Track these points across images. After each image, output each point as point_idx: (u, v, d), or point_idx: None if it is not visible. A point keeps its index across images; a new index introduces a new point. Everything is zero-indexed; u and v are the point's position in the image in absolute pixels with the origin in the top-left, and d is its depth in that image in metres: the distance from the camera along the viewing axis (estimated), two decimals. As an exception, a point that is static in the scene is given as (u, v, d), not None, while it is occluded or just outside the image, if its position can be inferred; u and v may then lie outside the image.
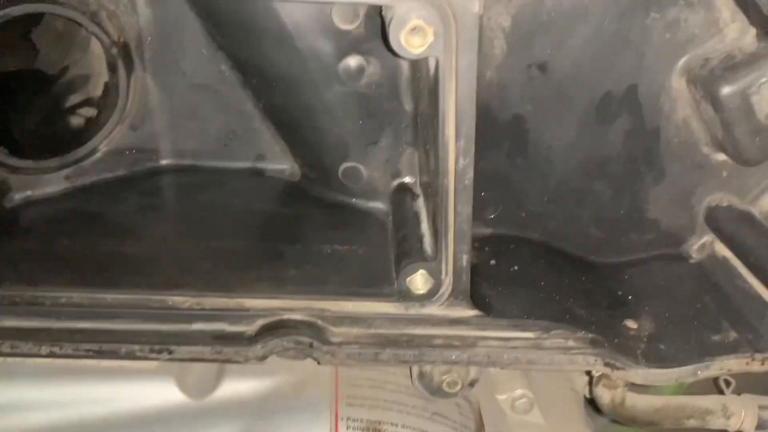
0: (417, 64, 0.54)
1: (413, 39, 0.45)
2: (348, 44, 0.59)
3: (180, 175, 0.70)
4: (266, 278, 0.56)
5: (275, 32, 0.58)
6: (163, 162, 0.70)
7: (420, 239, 0.56)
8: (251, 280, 0.55)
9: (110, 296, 0.54)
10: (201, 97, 0.68)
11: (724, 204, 0.63)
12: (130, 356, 0.53)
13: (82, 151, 0.65)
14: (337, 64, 0.60)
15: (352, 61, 0.60)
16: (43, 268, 0.56)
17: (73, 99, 0.69)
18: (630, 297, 0.62)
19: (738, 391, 0.67)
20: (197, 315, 0.54)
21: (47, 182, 0.65)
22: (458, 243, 0.52)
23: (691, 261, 0.66)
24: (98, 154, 0.67)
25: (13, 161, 0.62)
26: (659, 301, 0.62)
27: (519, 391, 0.70)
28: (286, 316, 0.54)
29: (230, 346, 0.53)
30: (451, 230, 0.51)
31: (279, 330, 0.53)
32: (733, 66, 0.55)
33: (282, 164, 0.71)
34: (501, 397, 0.70)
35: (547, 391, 0.71)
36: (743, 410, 0.64)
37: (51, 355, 0.53)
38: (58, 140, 0.66)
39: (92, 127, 0.67)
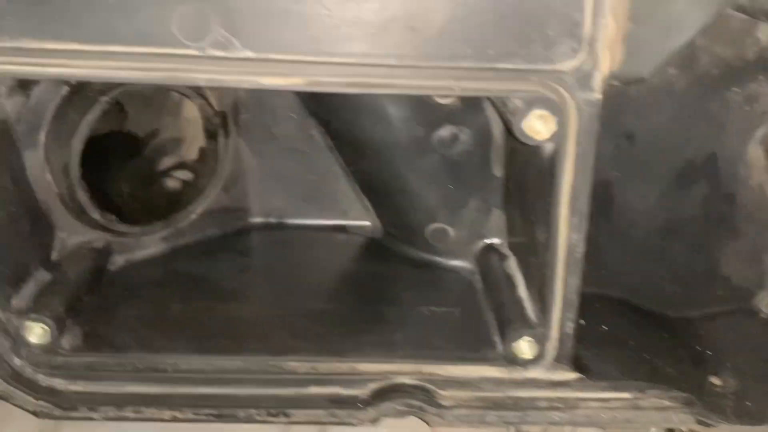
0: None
1: (537, 126, 0.48)
2: (443, 116, 0.62)
3: (269, 233, 0.73)
4: (374, 342, 0.58)
5: (372, 105, 0.61)
6: (253, 220, 0.73)
7: (521, 304, 0.59)
8: (361, 343, 0.58)
9: (228, 362, 0.56)
10: (290, 159, 0.72)
11: (792, 259, 0.66)
12: (249, 420, 0.56)
13: (182, 214, 0.68)
14: (431, 134, 0.63)
15: (446, 131, 0.63)
16: (161, 334, 0.58)
17: (166, 162, 0.71)
18: (709, 352, 0.65)
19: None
20: (312, 379, 0.56)
21: (146, 244, 0.68)
22: (566, 311, 0.54)
23: (762, 315, 0.69)
24: (193, 216, 0.70)
25: (118, 226, 0.64)
26: (737, 356, 0.64)
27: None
28: (397, 380, 0.56)
29: (344, 409, 0.56)
30: (559, 299, 0.54)
31: (391, 393, 0.56)
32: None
33: (365, 221, 0.74)
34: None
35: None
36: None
37: (173, 419, 0.56)
38: (156, 203, 0.69)
39: (190, 190, 0.70)
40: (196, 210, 0.69)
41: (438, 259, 0.69)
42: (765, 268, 0.68)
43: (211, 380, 0.56)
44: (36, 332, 0.54)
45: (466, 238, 0.68)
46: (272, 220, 0.74)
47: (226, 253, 0.69)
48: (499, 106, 0.51)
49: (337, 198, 0.73)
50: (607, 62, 0.47)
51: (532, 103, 0.47)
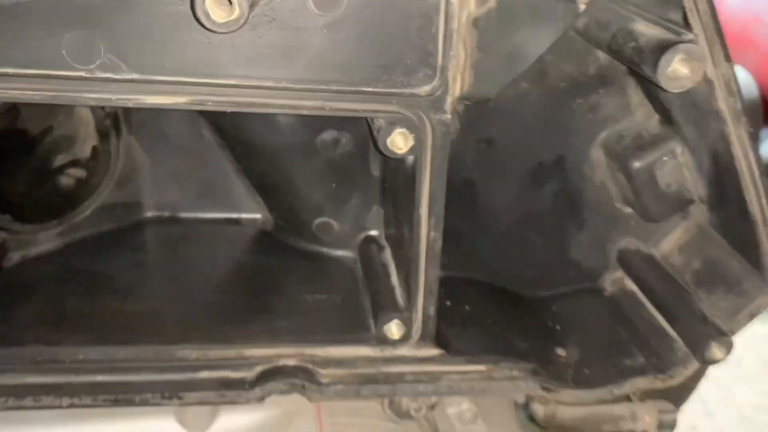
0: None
1: (398, 142, 0.54)
2: (325, 120, 0.68)
3: (162, 227, 0.77)
4: (261, 329, 0.64)
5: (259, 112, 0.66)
6: (147, 215, 0.77)
7: (392, 292, 0.66)
8: (248, 331, 0.64)
9: (123, 352, 0.61)
10: (182, 156, 0.75)
11: (632, 248, 0.77)
12: (144, 403, 0.61)
13: (77, 211, 0.71)
14: (316, 138, 0.69)
15: (328, 135, 0.69)
16: (58, 328, 0.62)
17: (60, 159, 0.74)
18: (558, 327, 0.75)
19: (643, 398, 0.82)
20: (203, 365, 0.62)
21: (41, 240, 0.70)
22: (427, 297, 0.62)
23: (606, 294, 0.79)
24: (88, 211, 0.73)
25: (13, 225, 0.67)
26: (581, 330, 0.75)
27: (465, 405, 0.83)
28: (281, 362, 0.63)
29: (233, 390, 0.61)
30: (422, 288, 0.62)
31: (275, 375, 0.62)
32: (641, 145, 0.68)
33: (256, 214, 0.80)
34: (450, 411, 0.82)
35: (487, 404, 0.84)
36: (647, 415, 0.79)
37: (72, 406, 0.60)
38: (50, 201, 0.71)
39: (84, 187, 0.72)
40: (91, 206, 0.72)
41: (324, 249, 0.75)
42: (608, 253, 0.79)
43: (107, 369, 0.60)
44: (-68, 330, 0.57)
45: (349, 230, 0.74)
46: (166, 214, 0.78)
47: (121, 248, 0.73)
48: (369, 123, 0.57)
49: (228, 193, 0.78)
50: (457, 87, 0.54)
51: (394, 122, 0.54)
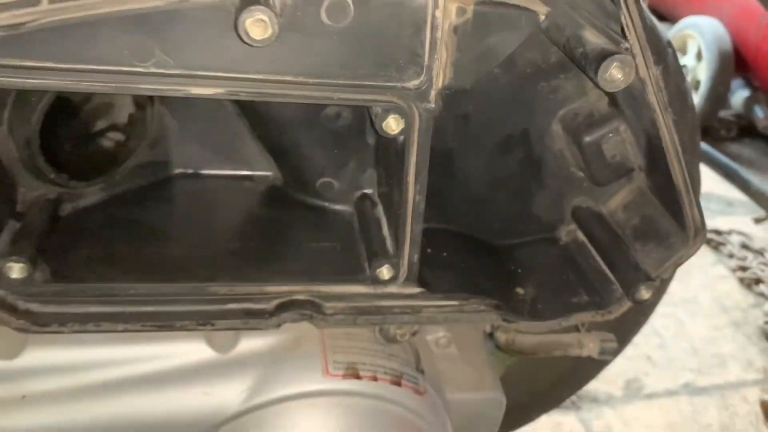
0: None
1: (392, 125, 0.68)
2: (329, 98, 0.81)
3: (188, 182, 0.90)
4: (276, 270, 0.79)
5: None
6: (174, 171, 0.90)
7: (383, 241, 0.80)
8: (266, 272, 0.78)
9: (166, 288, 0.75)
10: (205, 123, 0.88)
11: (584, 205, 0.91)
12: (183, 329, 0.75)
13: (117, 170, 0.84)
14: (320, 112, 0.82)
15: (331, 110, 0.82)
16: (111, 267, 0.76)
17: (100, 124, 0.86)
18: (519, 270, 0.91)
19: (588, 330, 0.99)
20: (231, 298, 0.76)
21: (88, 194, 0.83)
22: (412, 247, 0.77)
23: (561, 243, 0.94)
24: (126, 169, 0.86)
25: (69, 183, 0.80)
26: (538, 273, 0.90)
27: (441, 333, 0.99)
28: (294, 297, 0.77)
29: (255, 319, 0.76)
30: (408, 239, 0.76)
31: (289, 306, 0.77)
32: (592, 123, 0.82)
33: (267, 172, 0.93)
34: (429, 337, 0.98)
35: (460, 332, 1.00)
36: (591, 342, 0.96)
37: (125, 330, 0.74)
38: (95, 161, 0.84)
39: (122, 149, 0.85)
40: (128, 165, 0.85)
41: (325, 204, 0.89)
42: (563, 210, 0.93)
43: (153, 301, 0.74)
44: (15, 270, 0.70)
45: (347, 188, 0.88)
46: (190, 171, 0.91)
47: (154, 200, 0.86)
48: (368, 108, 0.70)
49: (244, 153, 0.91)
50: (440, 80, 0.67)
51: (389, 110, 0.67)
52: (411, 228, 0.75)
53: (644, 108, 0.72)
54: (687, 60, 3.51)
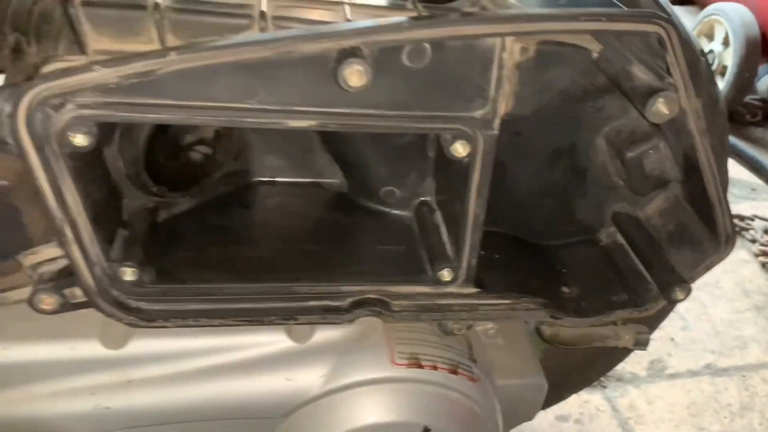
0: None
1: (459, 149, 0.77)
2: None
3: (266, 188, 1.00)
4: (350, 272, 0.89)
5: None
6: (254, 179, 1.00)
7: (443, 246, 0.90)
8: (341, 273, 0.88)
9: (255, 287, 0.86)
10: (282, 135, 0.98)
11: (623, 211, 1.00)
12: (270, 323, 0.86)
13: (206, 180, 0.94)
14: (387, 129, 0.91)
15: (397, 128, 0.91)
16: (206, 268, 0.86)
17: (189, 138, 0.96)
18: (564, 270, 1.00)
19: (625, 323, 1.08)
20: (311, 296, 0.86)
21: (181, 202, 0.94)
22: (471, 253, 0.86)
23: (601, 244, 1.03)
24: (213, 179, 0.96)
25: (166, 193, 0.90)
26: (581, 273, 0.99)
27: (489, 325, 1.09)
28: (366, 295, 0.87)
29: (332, 314, 0.87)
30: (468, 246, 0.86)
31: (362, 304, 0.87)
32: (634, 140, 0.90)
33: (335, 179, 1.03)
34: (478, 328, 1.09)
35: (506, 325, 1.10)
36: (626, 334, 1.05)
37: (221, 325, 0.85)
38: (187, 172, 0.94)
39: (210, 161, 0.95)
40: (215, 175, 0.95)
41: (388, 210, 0.99)
42: (604, 214, 1.02)
43: (244, 299, 0.85)
44: (128, 273, 0.80)
45: (408, 195, 0.97)
46: (267, 178, 1.01)
47: (238, 206, 0.96)
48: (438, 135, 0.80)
49: (315, 163, 1.01)
50: (502, 110, 0.76)
51: (456, 136, 0.76)
52: (471, 237, 0.85)
53: (684, 133, 0.80)
54: (714, 45, 3.53)
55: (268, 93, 0.70)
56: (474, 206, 0.82)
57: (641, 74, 0.74)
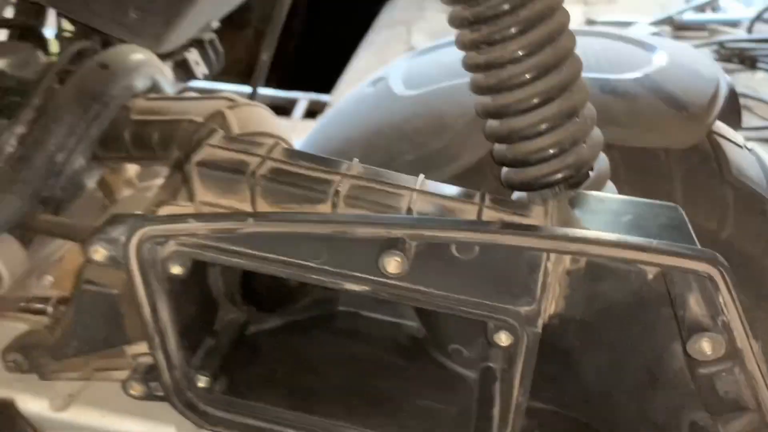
0: None
1: (502, 338, 0.80)
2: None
3: (349, 319, 1.09)
4: (396, 424, 0.93)
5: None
6: (339, 308, 1.09)
7: (491, 419, 0.91)
8: (389, 422, 0.93)
9: (307, 418, 0.93)
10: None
11: (702, 423, 0.94)
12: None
13: (294, 305, 1.05)
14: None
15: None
16: (272, 391, 0.96)
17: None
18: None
19: None
20: (356, 439, 0.92)
21: (270, 320, 1.05)
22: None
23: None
24: (301, 304, 1.07)
25: (257, 313, 1.02)
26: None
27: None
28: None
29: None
30: (510, 425, 0.87)
31: (400, 458, 0.91)
32: (706, 363, 0.86)
33: (414, 322, 1.09)
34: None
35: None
36: None
37: (273, 445, 0.94)
38: (279, 296, 1.06)
39: (301, 288, 1.06)
40: (305, 300, 1.06)
41: (454, 366, 1.02)
42: (680, 421, 0.95)
43: (294, 427, 0.93)
44: (202, 380, 0.92)
45: (475, 357, 1.00)
46: (351, 309, 1.09)
47: (320, 330, 1.06)
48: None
49: (398, 304, 1.08)
50: (549, 310, 0.78)
51: (500, 327, 0.79)
52: (512, 422, 0.86)
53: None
54: None
55: (330, 257, 0.79)
56: (516, 394, 0.83)
57: (695, 305, 0.73)
